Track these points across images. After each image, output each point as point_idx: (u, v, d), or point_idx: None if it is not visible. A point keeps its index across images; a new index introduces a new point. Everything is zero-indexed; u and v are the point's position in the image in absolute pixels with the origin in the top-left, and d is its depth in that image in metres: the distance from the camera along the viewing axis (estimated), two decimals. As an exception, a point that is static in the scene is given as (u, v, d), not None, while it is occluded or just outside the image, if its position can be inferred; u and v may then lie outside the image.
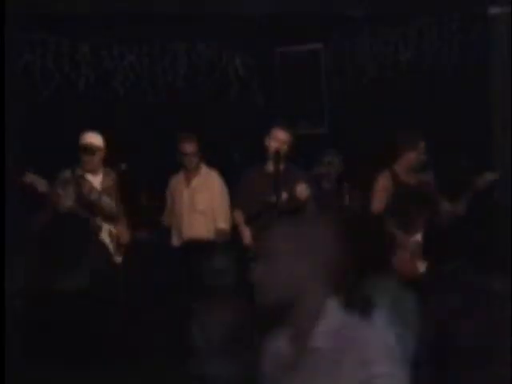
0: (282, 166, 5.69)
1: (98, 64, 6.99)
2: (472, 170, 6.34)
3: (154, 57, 7.30)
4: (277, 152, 5.67)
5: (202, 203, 6.24)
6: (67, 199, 5.53)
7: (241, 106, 7.73)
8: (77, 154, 5.86)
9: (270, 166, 5.77)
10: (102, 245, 5.55)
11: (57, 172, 5.98)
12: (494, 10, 6.72)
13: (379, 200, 5.73)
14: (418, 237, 5.49)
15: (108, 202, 5.85)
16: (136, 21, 6.74)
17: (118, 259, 5.74)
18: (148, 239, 6.19)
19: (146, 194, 6.19)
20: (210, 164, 6.41)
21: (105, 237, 5.78)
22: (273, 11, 7.03)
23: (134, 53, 7.18)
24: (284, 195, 5.57)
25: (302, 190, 5.53)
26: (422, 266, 5.39)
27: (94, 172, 5.89)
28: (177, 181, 6.43)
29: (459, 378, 3.01)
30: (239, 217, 5.91)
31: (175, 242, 6.16)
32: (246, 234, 5.75)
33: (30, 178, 5.38)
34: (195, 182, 6.33)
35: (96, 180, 5.92)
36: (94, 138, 5.85)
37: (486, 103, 6.76)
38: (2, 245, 3.70)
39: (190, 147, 6.21)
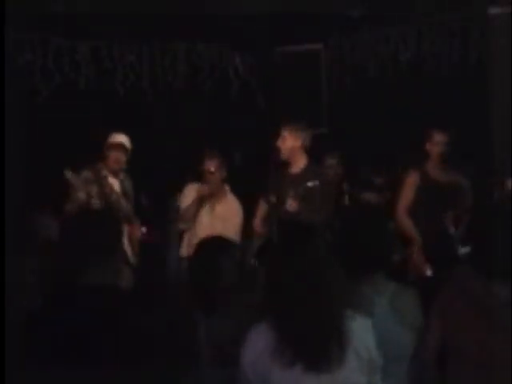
0: (299, 166, 5.69)
1: (98, 64, 7.00)
2: (471, 170, 6.35)
3: (154, 57, 7.30)
4: (276, 155, 5.70)
5: (221, 229, 6.01)
6: (96, 199, 5.60)
7: (241, 105, 7.73)
8: (101, 152, 5.85)
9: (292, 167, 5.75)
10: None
11: (56, 171, 5.99)
12: (494, 10, 6.72)
13: (405, 198, 5.80)
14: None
15: (125, 205, 5.89)
16: (136, 21, 6.74)
17: (132, 259, 5.79)
18: (148, 240, 6.20)
19: (145, 194, 6.17)
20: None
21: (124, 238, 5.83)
22: (273, 11, 7.03)
23: (134, 53, 7.18)
24: (290, 200, 5.56)
25: (290, 205, 5.49)
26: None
27: (116, 174, 5.90)
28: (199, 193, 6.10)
29: (459, 379, 3.02)
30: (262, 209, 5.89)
31: (184, 252, 6.09)
32: (257, 222, 5.78)
33: (69, 175, 5.46)
34: (219, 209, 6.09)
35: (116, 182, 5.94)
36: (125, 139, 5.90)
37: (486, 103, 6.76)
38: (1, 244, 3.70)
39: (211, 164, 5.98)
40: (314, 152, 6.84)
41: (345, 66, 7.59)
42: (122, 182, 5.96)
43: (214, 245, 3.27)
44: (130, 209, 5.94)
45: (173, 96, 7.37)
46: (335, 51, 7.65)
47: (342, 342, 2.55)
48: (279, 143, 5.71)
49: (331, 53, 7.68)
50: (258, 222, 5.83)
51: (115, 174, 5.89)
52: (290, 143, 5.70)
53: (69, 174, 5.45)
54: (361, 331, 2.63)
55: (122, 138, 5.88)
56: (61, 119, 6.64)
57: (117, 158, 5.84)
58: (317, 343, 2.54)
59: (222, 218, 6.02)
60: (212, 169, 5.99)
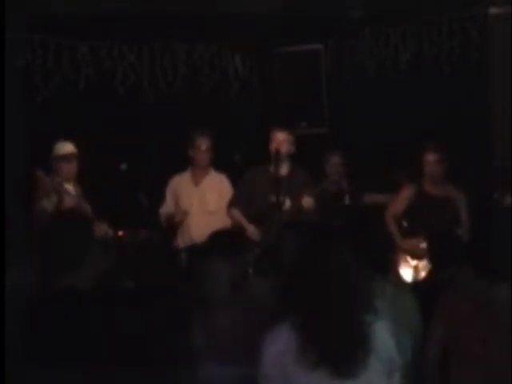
0: (285, 168, 5.75)
1: (98, 64, 6.99)
2: (471, 169, 6.35)
3: (154, 57, 7.30)
4: (277, 152, 5.68)
5: (213, 204, 6.18)
6: (58, 206, 5.67)
7: (241, 105, 7.73)
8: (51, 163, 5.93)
9: (273, 168, 5.80)
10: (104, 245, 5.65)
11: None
12: (494, 10, 6.72)
13: (396, 204, 5.98)
14: (423, 244, 5.57)
15: (86, 208, 5.94)
16: (136, 21, 6.74)
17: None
18: (147, 240, 6.18)
19: (145, 193, 6.16)
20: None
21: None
22: (273, 11, 7.02)
23: (134, 53, 7.17)
24: (288, 202, 5.59)
25: (308, 202, 5.59)
26: (425, 270, 5.49)
27: (69, 180, 5.98)
28: (182, 180, 6.33)
29: (462, 379, 3.02)
30: (238, 214, 5.90)
31: (181, 243, 6.10)
32: (255, 232, 5.72)
33: (41, 176, 5.57)
34: (205, 182, 6.26)
35: (70, 187, 6.01)
36: (70, 147, 5.94)
37: (486, 103, 6.76)
38: (1, 244, 3.70)
39: (204, 142, 6.17)
40: (314, 152, 6.85)
41: (345, 65, 7.59)
42: (74, 186, 6.03)
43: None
44: (90, 211, 5.99)
45: (173, 96, 7.36)
46: (335, 51, 7.65)
47: (366, 346, 2.54)
48: (272, 144, 5.75)
49: (331, 53, 7.68)
50: (255, 231, 5.78)
51: (68, 180, 5.97)
52: (282, 143, 5.73)
53: (41, 175, 5.56)
54: (381, 333, 2.61)
55: (66, 148, 5.94)
56: (60, 119, 6.63)
57: (68, 170, 5.93)
58: (342, 347, 2.52)
59: (210, 190, 6.22)
60: (202, 146, 6.13)
